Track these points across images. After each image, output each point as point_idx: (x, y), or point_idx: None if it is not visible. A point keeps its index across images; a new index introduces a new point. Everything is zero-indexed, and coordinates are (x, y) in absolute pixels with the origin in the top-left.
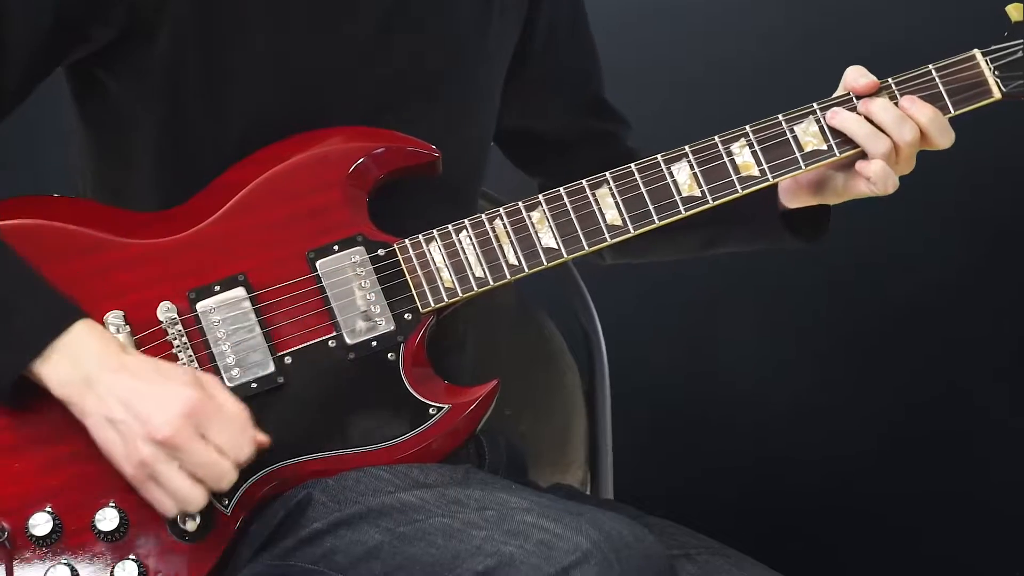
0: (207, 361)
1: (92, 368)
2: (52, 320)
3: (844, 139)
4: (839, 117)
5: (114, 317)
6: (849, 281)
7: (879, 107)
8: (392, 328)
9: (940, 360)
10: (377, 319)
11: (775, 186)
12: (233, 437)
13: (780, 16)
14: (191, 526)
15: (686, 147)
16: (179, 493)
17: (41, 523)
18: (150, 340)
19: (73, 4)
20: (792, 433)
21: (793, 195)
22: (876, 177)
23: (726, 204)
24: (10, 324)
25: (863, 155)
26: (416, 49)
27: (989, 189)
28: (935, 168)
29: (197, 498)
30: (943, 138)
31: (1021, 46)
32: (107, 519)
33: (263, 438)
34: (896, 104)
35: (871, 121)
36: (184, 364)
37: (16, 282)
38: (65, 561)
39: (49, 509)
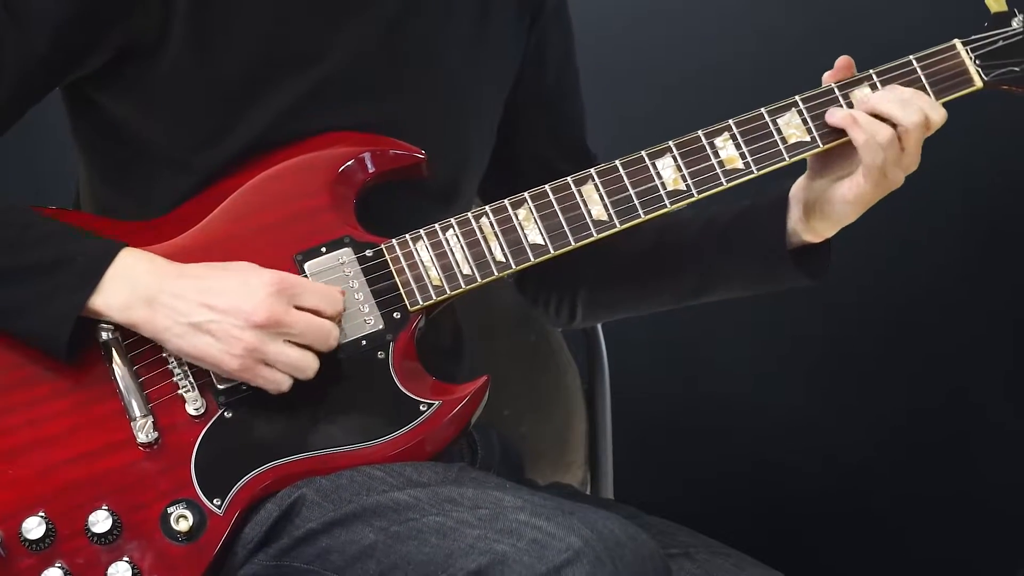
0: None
1: (151, 284)
2: (97, 257)
3: (828, 130)
4: (838, 115)
5: (104, 323)
6: (848, 282)
7: (879, 98)
8: (381, 327)
9: (938, 364)
10: (366, 318)
11: (783, 226)
12: (323, 296)
13: (779, 16)
14: (184, 527)
15: (670, 142)
16: (293, 363)
17: (34, 527)
18: (139, 345)
19: (69, 32)
20: (792, 433)
21: (805, 225)
22: (863, 146)
23: (732, 244)
24: (61, 273)
25: (848, 144)
26: (414, 49)
27: (987, 192)
28: (934, 171)
29: (311, 363)
30: (935, 114)
31: (1001, 35)
32: (100, 522)
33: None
34: None
35: (876, 115)
36: (174, 368)
37: (59, 238)
38: (59, 565)
39: (42, 514)
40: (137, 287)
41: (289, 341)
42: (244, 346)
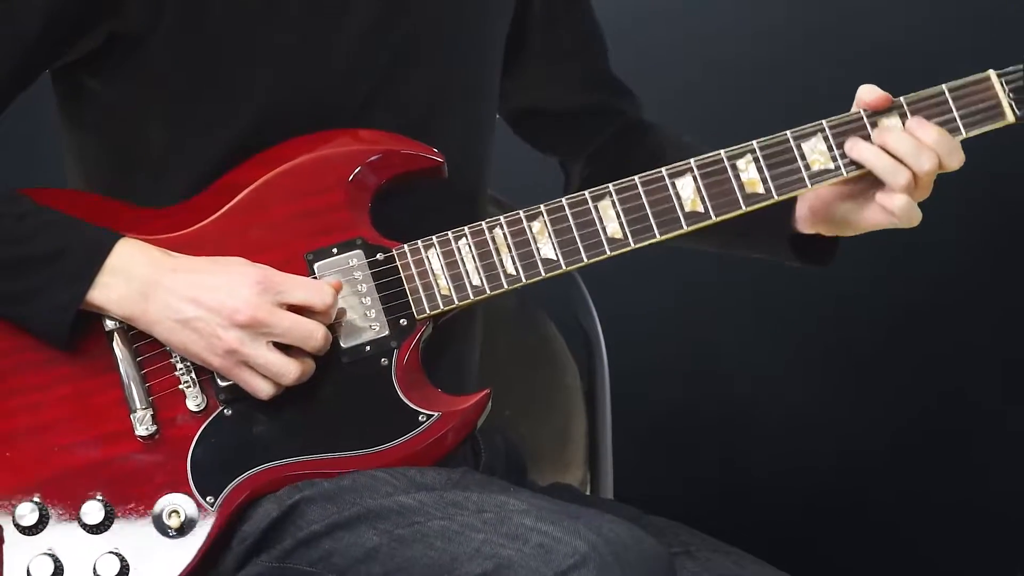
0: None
1: (146, 277)
2: (96, 249)
3: (853, 159)
4: (858, 149)
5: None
6: (850, 282)
7: (895, 139)
8: (386, 333)
9: (940, 366)
10: (372, 324)
11: (790, 209)
12: (310, 291)
13: (780, 16)
14: (175, 522)
15: (691, 161)
16: (274, 367)
17: (27, 513)
18: (144, 336)
19: (62, 16)
20: (792, 432)
21: (811, 225)
22: (901, 212)
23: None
24: (58, 264)
25: (871, 176)
26: (404, 50)
27: (990, 192)
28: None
29: (293, 369)
30: (953, 160)
31: None
32: (92, 512)
33: (334, 281)
34: (904, 124)
35: (888, 151)
36: (176, 362)
37: (56, 228)
38: (49, 552)
39: (36, 499)
40: (133, 280)
41: (273, 343)
42: (225, 347)
